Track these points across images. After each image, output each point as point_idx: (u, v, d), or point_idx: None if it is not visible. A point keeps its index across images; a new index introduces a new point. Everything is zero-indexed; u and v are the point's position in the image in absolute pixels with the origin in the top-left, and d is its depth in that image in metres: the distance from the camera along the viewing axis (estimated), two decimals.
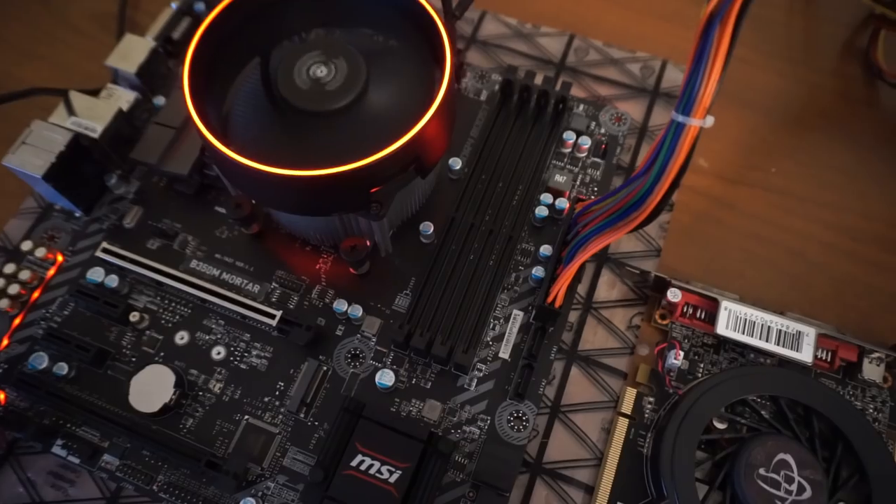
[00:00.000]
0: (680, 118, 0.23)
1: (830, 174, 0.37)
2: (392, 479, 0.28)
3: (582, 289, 0.34)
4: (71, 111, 0.33)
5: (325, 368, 0.31)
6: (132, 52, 0.36)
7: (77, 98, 0.34)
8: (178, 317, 0.32)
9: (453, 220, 0.34)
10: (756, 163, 0.38)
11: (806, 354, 0.31)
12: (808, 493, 0.27)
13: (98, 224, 0.35)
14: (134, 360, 0.32)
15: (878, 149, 0.38)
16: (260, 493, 0.29)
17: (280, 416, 0.30)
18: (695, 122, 0.23)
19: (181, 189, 0.35)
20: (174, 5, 0.39)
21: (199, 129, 0.27)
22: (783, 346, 0.31)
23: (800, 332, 0.31)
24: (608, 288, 0.34)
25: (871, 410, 0.31)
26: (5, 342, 0.32)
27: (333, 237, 0.33)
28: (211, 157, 0.31)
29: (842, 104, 0.40)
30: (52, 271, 0.34)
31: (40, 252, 0.34)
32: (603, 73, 0.39)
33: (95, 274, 0.33)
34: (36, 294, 0.33)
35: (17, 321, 0.33)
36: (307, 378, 0.31)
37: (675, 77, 0.38)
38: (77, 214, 0.35)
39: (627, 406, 0.31)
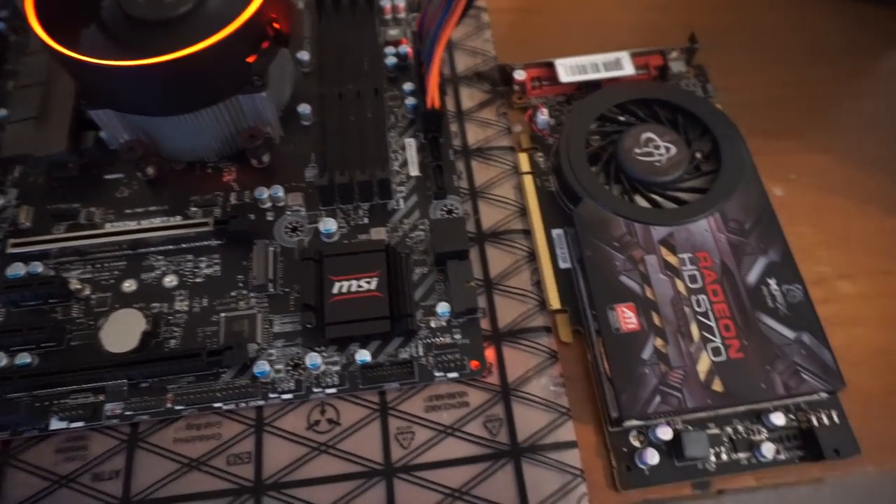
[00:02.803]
0: None
1: None
2: (373, 287, 0.31)
3: (451, 106, 0.39)
4: None
5: (272, 248, 0.34)
6: None
7: None
8: (116, 271, 0.34)
9: (323, 96, 0.38)
10: None
11: (628, 70, 0.38)
12: (674, 150, 0.35)
13: None
14: (91, 323, 0.32)
15: None
16: (267, 361, 0.31)
17: (253, 299, 0.33)
18: None
19: (64, 174, 0.36)
20: None
21: (67, 55, 0.29)
22: (611, 72, 0.38)
23: (618, 58, 0.39)
24: (470, 99, 0.40)
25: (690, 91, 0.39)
26: None
27: (227, 144, 0.36)
28: (86, 82, 0.32)
29: None
30: None
31: None
32: None
33: (16, 269, 0.33)
34: None
35: None
36: (261, 257, 0.33)
37: None
38: None
39: (525, 166, 0.37)
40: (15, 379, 0.30)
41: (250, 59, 0.32)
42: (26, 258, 0.33)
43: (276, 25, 0.33)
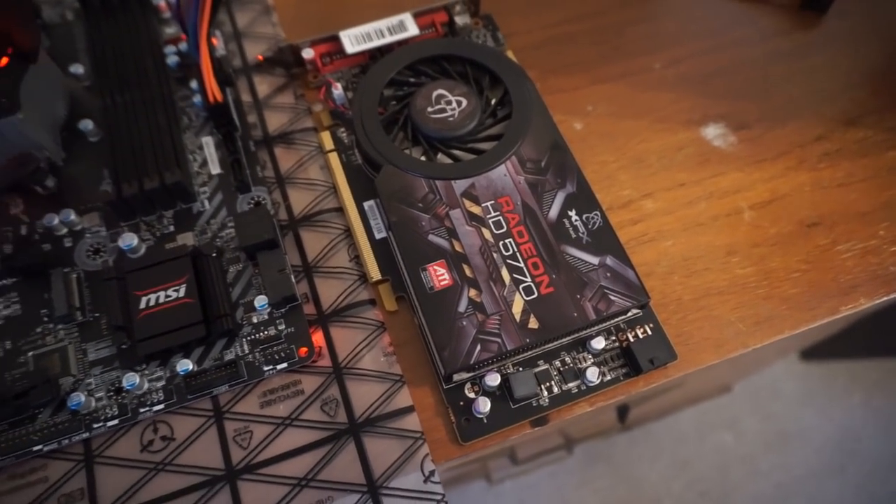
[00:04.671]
0: None
1: None
2: (182, 294, 0.31)
3: (247, 96, 0.38)
4: None
5: (74, 274, 0.32)
6: None
7: None
8: None
9: (104, 108, 0.36)
10: None
11: (413, 30, 0.39)
12: (465, 104, 0.35)
13: None
14: None
15: None
16: (86, 391, 0.30)
17: (61, 331, 0.31)
18: None
19: None
20: None
21: None
22: (397, 35, 0.38)
23: (401, 20, 0.39)
24: (268, 86, 0.39)
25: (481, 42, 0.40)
26: None
27: (2, 176, 0.33)
28: None
29: None
30: None
31: None
32: None
33: None
34: None
35: None
36: (59, 287, 0.31)
37: None
38: None
39: (328, 144, 0.37)
40: None
41: None
42: None
43: (12, 40, 0.31)
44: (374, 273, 0.33)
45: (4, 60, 0.30)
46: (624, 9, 0.43)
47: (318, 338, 0.32)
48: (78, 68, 0.37)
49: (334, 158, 0.36)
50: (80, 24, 0.39)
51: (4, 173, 0.33)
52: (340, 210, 0.35)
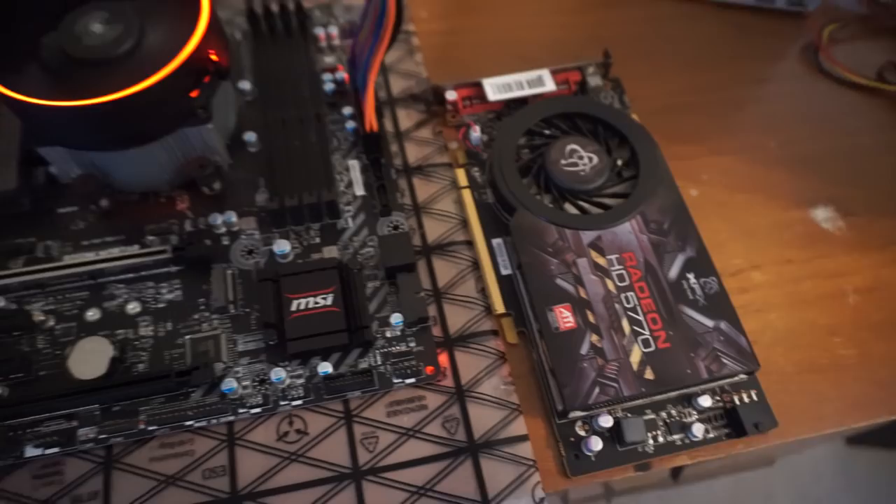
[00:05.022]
0: None
1: None
2: (329, 302, 0.34)
3: (389, 126, 0.42)
4: None
5: (229, 270, 0.36)
6: None
7: None
8: (78, 301, 0.35)
9: (267, 123, 0.40)
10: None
11: (550, 86, 0.42)
12: (596, 160, 0.38)
13: None
14: (58, 352, 0.33)
15: None
16: (232, 378, 0.33)
17: (216, 321, 0.34)
18: None
19: (14, 211, 0.37)
20: None
21: (18, 98, 0.30)
22: (534, 89, 0.42)
23: (539, 75, 0.42)
24: (407, 119, 0.42)
25: (608, 104, 0.43)
26: None
27: (178, 174, 0.37)
28: (31, 122, 0.33)
29: None
30: None
31: None
32: None
33: None
34: None
35: None
36: (220, 280, 0.35)
37: None
38: None
39: (463, 181, 0.40)
40: None
41: (193, 94, 0.33)
42: None
43: (214, 59, 0.34)
44: (499, 306, 0.36)
45: (206, 78, 0.34)
46: (745, 86, 0.46)
47: (443, 359, 0.34)
48: (245, 84, 0.41)
49: (467, 195, 0.39)
50: (247, 44, 0.43)
51: (182, 173, 0.37)
52: (470, 243, 0.38)
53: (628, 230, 0.36)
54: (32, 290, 0.35)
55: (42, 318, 0.34)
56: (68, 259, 0.36)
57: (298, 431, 0.33)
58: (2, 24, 0.33)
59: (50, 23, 0.34)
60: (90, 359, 0.32)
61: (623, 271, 0.35)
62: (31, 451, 0.31)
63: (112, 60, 0.32)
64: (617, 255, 0.35)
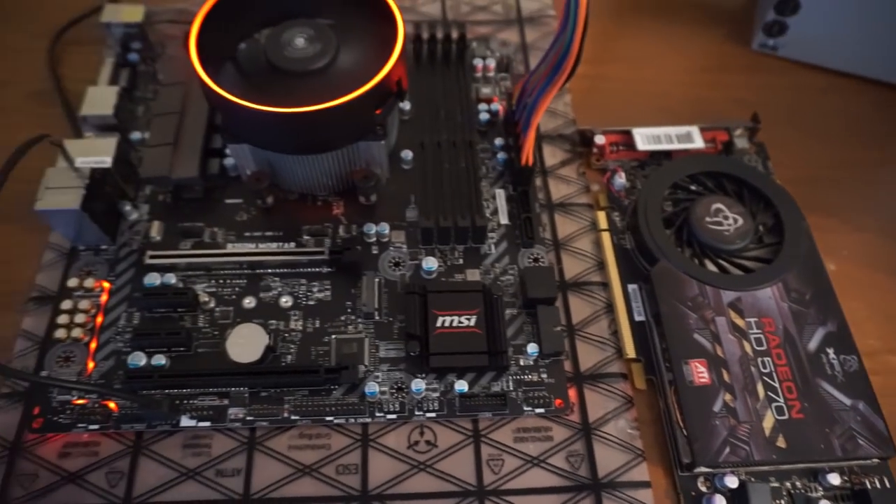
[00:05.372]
0: None
1: (649, 41, 0.51)
2: (472, 323, 0.35)
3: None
4: (67, 157, 0.37)
5: (377, 279, 0.38)
6: (99, 99, 0.40)
7: (70, 145, 0.37)
8: (237, 289, 0.37)
9: (423, 144, 0.42)
10: (610, 47, 0.50)
11: (698, 143, 0.43)
12: (741, 222, 0.39)
13: (128, 247, 0.38)
14: (216, 333, 0.36)
15: (668, 19, 0.52)
16: (373, 381, 0.35)
17: (360, 324, 0.36)
18: None
19: (190, 196, 0.40)
20: (109, 60, 0.44)
21: (234, 101, 0.33)
22: (682, 143, 0.43)
23: (688, 131, 0.43)
24: (552, 157, 0.44)
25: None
26: (91, 365, 0.35)
27: (339, 182, 0.39)
28: (232, 121, 0.36)
29: None
30: (104, 297, 0.37)
31: (89, 283, 0.37)
32: (476, 18, 0.50)
33: (152, 279, 0.36)
34: (100, 318, 0.36)
35: (92, 345, 0.35)
36: (371, 288, 0.37)
37: (528, 6, 0.50)
38: (104, 247, 0.38)
39: (603, 224, 0.41)
40: (155, 377, 0.33)
41: (377, 112, 0.35)
42: (159, 269, 0.37)
43: (399, 82, 0.37)
44: (630, 351, 0.36)
45: (390, 98, 0.36)
46: (887, 166, 0.46)
47: (572, 394, 0.35)
48: (406, 105, 0.43)
49: (606, 238, 0.40)
50: (408, 66, 0.46)
51: (344, 180, 0.39)
52: (605, 285, 0.39)
53: (769, 296, 0.36)
54: (198, 272, 0.38)
55: (206, 299, 0.36)
56: (231, 247, 0.38)
57: (428, 443, 0.34)
58: (223, 25, 0.36)
59: (249, 30, 0.38)
60: (246, 344, 0.35)
61: (761, 335, 0.35)
62: (185, 422, 0.33)
63: (307, 73, 0.35)
64: (756, 319, 0.36)
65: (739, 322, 0.36)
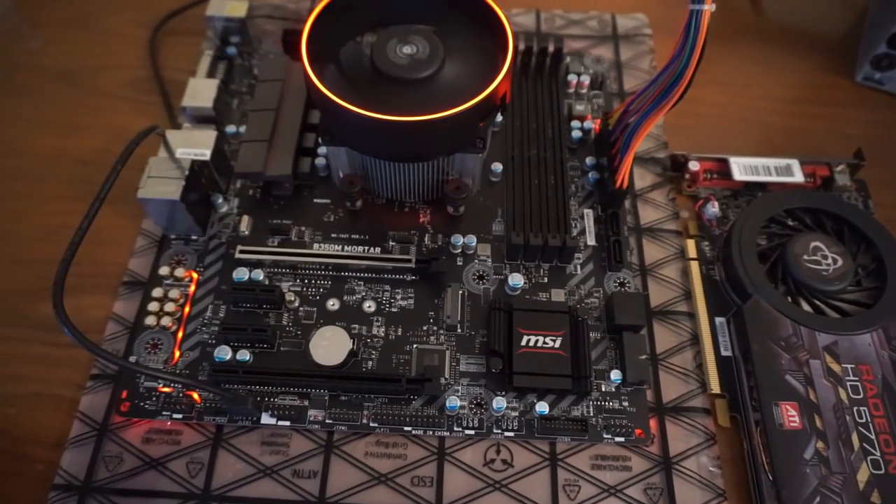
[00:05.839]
0: (696, 7, 0.32)
1: (748, 66, 0.50)
2: (557, 345, 0.35)
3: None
4: (169, 148, 0.38)
5: (461, 290, 0.37)
6: (200, 91, 0.41)
7: (171, 136, 0.38)
8: (322, 290, 0.37)
9: (513, 157, 0.41)
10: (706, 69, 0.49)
11: (798, 177, 0.41)
12: (840, 263, 0.37)
13: (217, 239, 0.39)
14: (299, 333, 0.36)
15: (769, 44, 0.51)
16: (453, 395, 0.34)
17: (442, 336, 0.36)
18: (706, 7, 0.32)
19: (279, 193, 0.40)
20: (208, 52, 0.45)
21: (343, 106, 0.32)
22: (780, 176, 0.41)
23: (788, 164, 0.42)
24: (641, 179, 0.43)
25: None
26: (177, 354, 0.35)
27: (429, 190, 0.39)
28: (333, 124, 0.36)
29: (738, 19, 0.52)
30: (192, 287, 0.37)
31: (179, 272, 0.37)
32: (571, 32, 0.49)
33: (241, 273, 0.37)
34: (187, 308, 0.37)
35: (179, 335, 0.36)
36: (456, 300, 0.37)
37: (624, 24, 0.49)
38: (194, 237, 0.39)
39: (692, 252, 0.40)
40: (240, 373, 0.34)
41: (480, 125, 0.35)
42: (247, 264, 0.37)
43: (506, 96, 0.36)
44: (715, 386, 0.35)
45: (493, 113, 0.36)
46: None
47: (652, 424, 0.34)
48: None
49: (695, 267, 0.39)
50: None
51: (435, 189, 0.39)
52: (692, 316, 0.38)
53: (867, 342, 0.35)
54: (284, 269, 0.38)
55: (291, 298, 0.37)
56: (318, 247, 0.39)
57: (504, 462, 0.34)
58: (330, 27, 0.36)
59: (354, 32, 0.37)
60: (330, 346, 0.35)
61: (858, 383, 0.34)
62: (266, 419, 0.34)
63: (412, 82, 0.35)
64: (853, 366, 0.34)
65: (835, 367, 0.34)
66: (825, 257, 0.37)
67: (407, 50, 0.36)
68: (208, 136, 0.38)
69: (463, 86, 0.35)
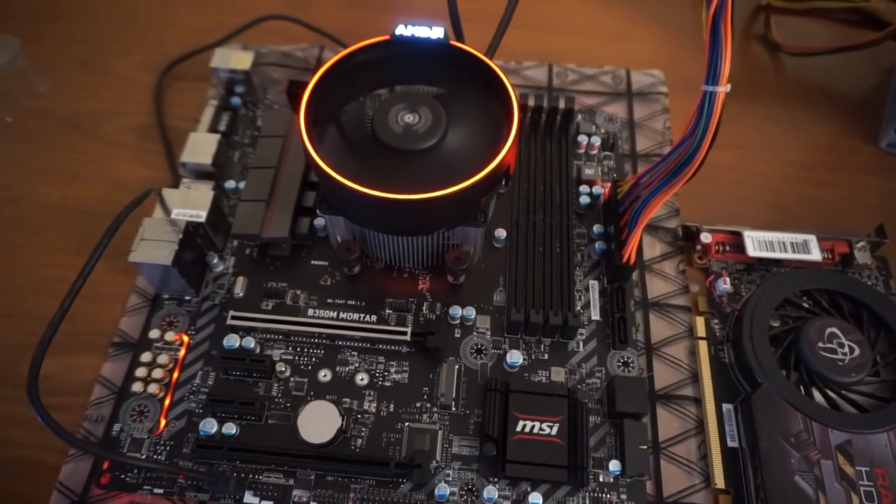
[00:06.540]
0: (710, 88, 0.31)
1: (766, 127, 0.48)
2: (553, 432, 0.33)
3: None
4: (165, 208, 0.37)
5: (457, 366, 0.36)
6: (200, 147, 0.40)
7: (167, 195, 0.37)
8: (314, 359, 0.36)
9: (517, 223, 0.40)
10: (722, 131, 0.47)
11: (815, 255, 0.39)
12: (857, 351, 0.35)
13: (210, 301, 0.38)
14: (288, 405, 0.35)
15: (789, 105, 0.49)
16: (443, 482, 0.33)
17: (435, 415, 0.35)
18: (721, 90, 0.31)
19: (277, 253, 0.39)
20: (212, 103, 0.44)
21: (341, 181, 0.31)
22: (797, 253, 0.39)
23: (805, 240, 0.40)
24: (650, 248, 0.41)
25: (870, 284, 0.40)
26: (163, 423, 0.34)
27: (429, 257, 0.38)
28: (332, 194, 0.35)
29: (757, 77, 0.51)
30: (182, 351, 0.36)
31: (169, 336, 0.37)
32: (584, 88, 0.48)
33: (231, 340, 0.36)
34: (176, 374, 0.36)
35: (166, 402, 0.35)
36: (451, 377, 0.35)
37: (639, 80, 0.48)
38: (188, 298, 0.38)
39: (701, 331, 0.38)
40: (224, 449, 0.33)
41: (482, 199, 0.34)
42: (238, 330, 0.36)
43: (510, 168, 0.35)
44: (720, 481, 0.34)
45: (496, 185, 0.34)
46: None
47: None
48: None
49: (703, 347, 0.37)
50: None
51: (438, 257, 0.38)
52: (698, 401, 0.36)
53: (884, 442, 0.33)
54: (276, 336, 0.37)
55: (282, 369, 0.36)
56: (312, 313, 0.38)
57: None
58: (332, 90, 0.35)
59: (357, 94, 0.36)
60: (318, 423, 0.34)
61: (872, 489, 0.32)
62: (249, 498, 0.33)
63: (414, 153, 0.34)
64: (867, 469, 0.32)
65: (848, 469, 0.32)
66: (841, 345, 0.36)
67: (409, 119, 0.34)
68: (205, 196, 0.37)
69: (466, 157, 0.33)
